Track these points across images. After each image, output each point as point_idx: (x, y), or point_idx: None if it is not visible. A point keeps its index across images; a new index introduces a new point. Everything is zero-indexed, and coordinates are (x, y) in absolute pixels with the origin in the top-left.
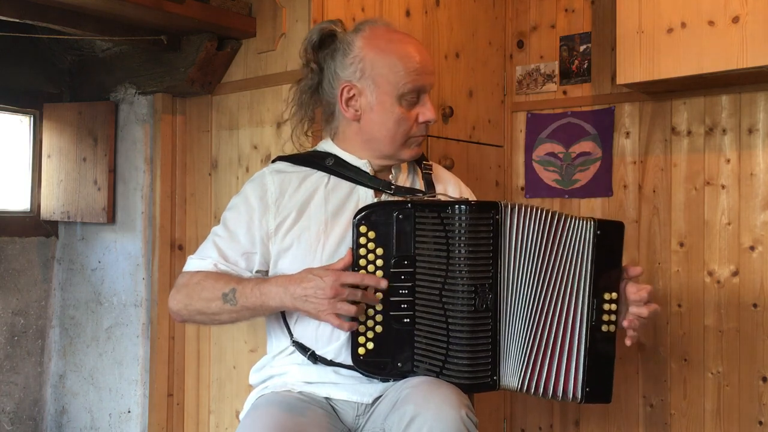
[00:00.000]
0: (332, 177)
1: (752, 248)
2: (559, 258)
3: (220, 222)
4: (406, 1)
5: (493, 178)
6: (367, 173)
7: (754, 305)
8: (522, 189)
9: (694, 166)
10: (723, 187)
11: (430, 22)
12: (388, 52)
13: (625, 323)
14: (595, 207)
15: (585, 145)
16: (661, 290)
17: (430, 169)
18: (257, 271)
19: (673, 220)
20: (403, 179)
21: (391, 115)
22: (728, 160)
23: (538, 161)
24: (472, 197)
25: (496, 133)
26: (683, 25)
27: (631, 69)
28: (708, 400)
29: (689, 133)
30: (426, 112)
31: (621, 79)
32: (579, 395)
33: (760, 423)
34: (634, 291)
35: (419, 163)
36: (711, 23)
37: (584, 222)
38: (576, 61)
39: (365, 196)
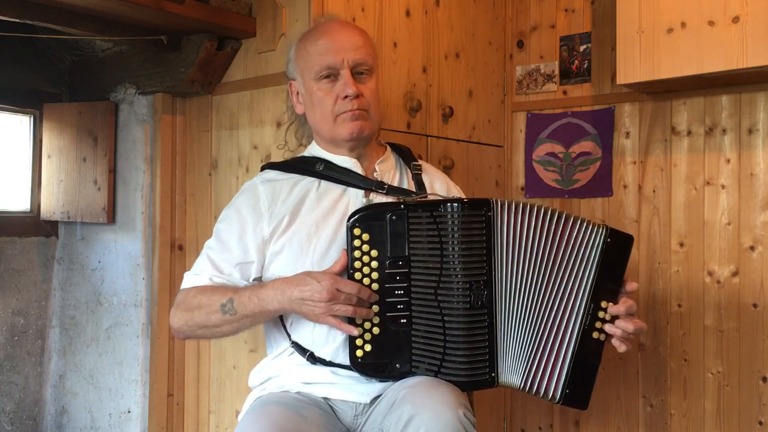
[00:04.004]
0: (323, 181)
1: (752, 248)
2: (561, 257)
3: (213, 234)
4: (406, 1)
5: (493, 178)
6: (358, 173)
7: (754, 305)
8: (522, 189)
9: (694, 166)
10: (723, 187)
11: (430, 22)
12: (306, 42)
13: (607, 327)
14: (595, 207)
15: (585, 145)
16: (661, 290)
17: (420, 170)
18: (254, 279)
19: (673, 220)
20: (391, 177)
21: (314, 98)
22: (728, 160)
23: (538, 161)
24: (460, 195)
25: (496, 133)
26: (683, 25)
27: (631, 69)
28: (708, 400)
29: (689, 133)
30: (344, 87)
31: (621, 79)
32: (558, 395)
33: (760, 423)
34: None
35: (408, 164)
36: (711, 23)
37: (596, 227)
38: (576, 61)
39: (356, 196)
